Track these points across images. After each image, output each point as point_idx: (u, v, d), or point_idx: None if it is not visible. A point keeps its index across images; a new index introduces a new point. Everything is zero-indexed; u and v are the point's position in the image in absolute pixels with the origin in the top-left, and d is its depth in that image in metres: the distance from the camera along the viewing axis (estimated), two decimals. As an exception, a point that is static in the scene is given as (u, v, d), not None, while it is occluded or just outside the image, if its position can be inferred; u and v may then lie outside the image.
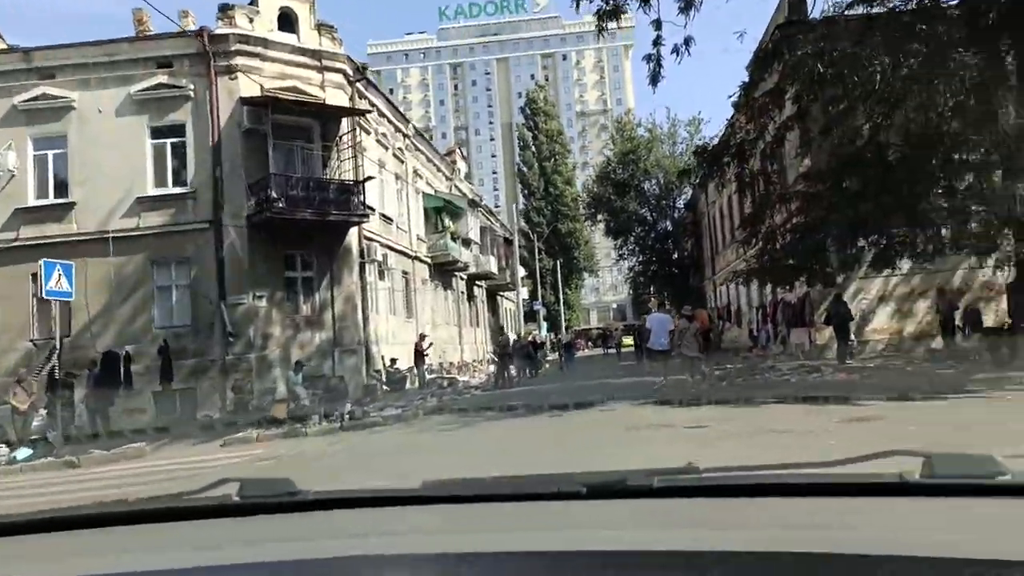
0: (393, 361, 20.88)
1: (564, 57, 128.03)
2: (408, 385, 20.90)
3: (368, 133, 22.37)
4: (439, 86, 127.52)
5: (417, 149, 28.63)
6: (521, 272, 58.81)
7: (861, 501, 1.08)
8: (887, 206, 13.13)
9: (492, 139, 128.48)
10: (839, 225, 13.94)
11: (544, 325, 65.03)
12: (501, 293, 45.55)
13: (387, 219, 24.28)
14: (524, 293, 58.54)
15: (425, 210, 29.65)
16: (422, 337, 20.58)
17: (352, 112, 19.94)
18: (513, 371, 21.58)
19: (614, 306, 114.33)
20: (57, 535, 1.20)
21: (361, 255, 20.91)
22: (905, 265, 17.81)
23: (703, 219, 39.05)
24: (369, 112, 21.10)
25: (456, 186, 33.96)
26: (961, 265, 18.44)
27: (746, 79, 15.41)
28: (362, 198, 19.42)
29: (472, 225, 32.81)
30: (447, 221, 30.01)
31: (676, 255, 42.10)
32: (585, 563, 0.86)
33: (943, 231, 12.89)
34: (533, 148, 77.54)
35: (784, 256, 14.65)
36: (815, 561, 0.80)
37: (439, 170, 32.44)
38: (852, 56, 13.18)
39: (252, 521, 1.20)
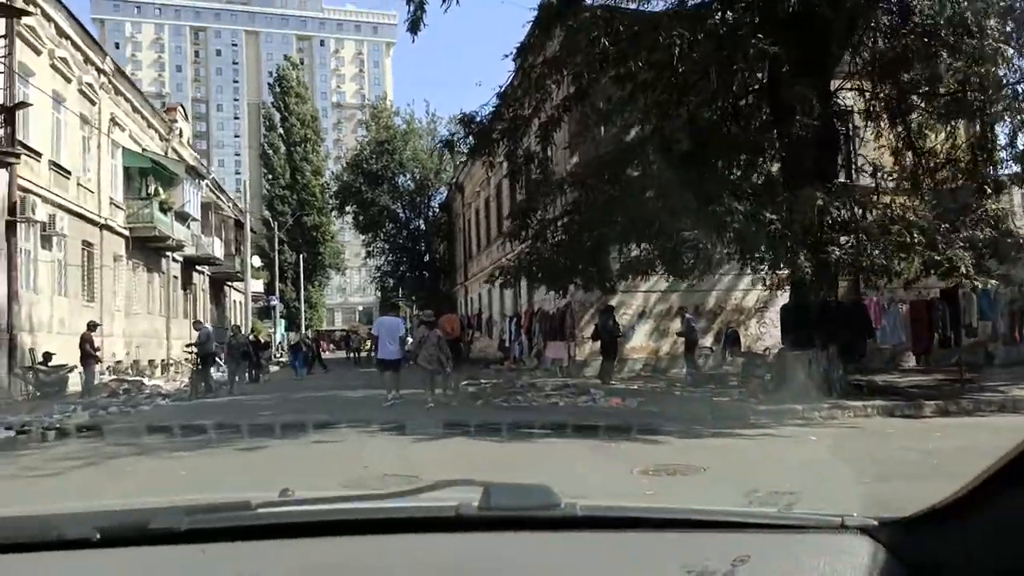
0: (47, 356, 15.57)
1: (322, 43, 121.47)
2: (74, 388, 15.72)
3: (37, 52, 16.77)
4: (176, 49, 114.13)
5: (118, 93, 22.91)
6: (257, 262, 52.87)
7: (414, 537, 1.03)
8: (673, 207, 11.39)
9: (236, 117, 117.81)
10: (619, 223, 11.97)
11: (282, 323, 59.28)
12: (230, 283, 39.80)
13: (62, 171, 18.63)
14: (258, 286, 52.61)
15: (127, 171, 23.92)
16: (92, 327, 15.49)
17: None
18: (216, 375, 17.18)
19: (360, 308, 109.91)
20: None
21: (12, 211, 15.37)
22: (662, 283, 16.72)
23: (458, 220, 37.02)
24: (29, 14, 15.62)
25: (174, 149, 28.30)
26: (717, 285, 17.80)
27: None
28: (11, 130, 14.08)
29: (191, 198, 27.45)
30: (156, 188, 24.51)
31: (428, 257, 39.64)
32: None
33: (728, 240, 11.37)
34: (281, 130, 71.04)
35: (558, 254, 12.41)
36: None
37: (151, 126, 26.67)
38: (645, 30, 11.31)
39: None
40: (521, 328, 21.67)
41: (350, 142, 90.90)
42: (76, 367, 15.17)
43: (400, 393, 13.23)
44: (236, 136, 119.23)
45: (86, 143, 20.68)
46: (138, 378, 18.46)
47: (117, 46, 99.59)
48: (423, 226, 39.81)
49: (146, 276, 25.94)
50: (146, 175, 24.28)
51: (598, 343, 15.38)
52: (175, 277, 29.65)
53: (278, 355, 45.63)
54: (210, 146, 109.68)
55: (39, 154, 17.14)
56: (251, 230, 42.67)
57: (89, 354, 14.99)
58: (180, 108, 32.17)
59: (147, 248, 25.51)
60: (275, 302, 52.30)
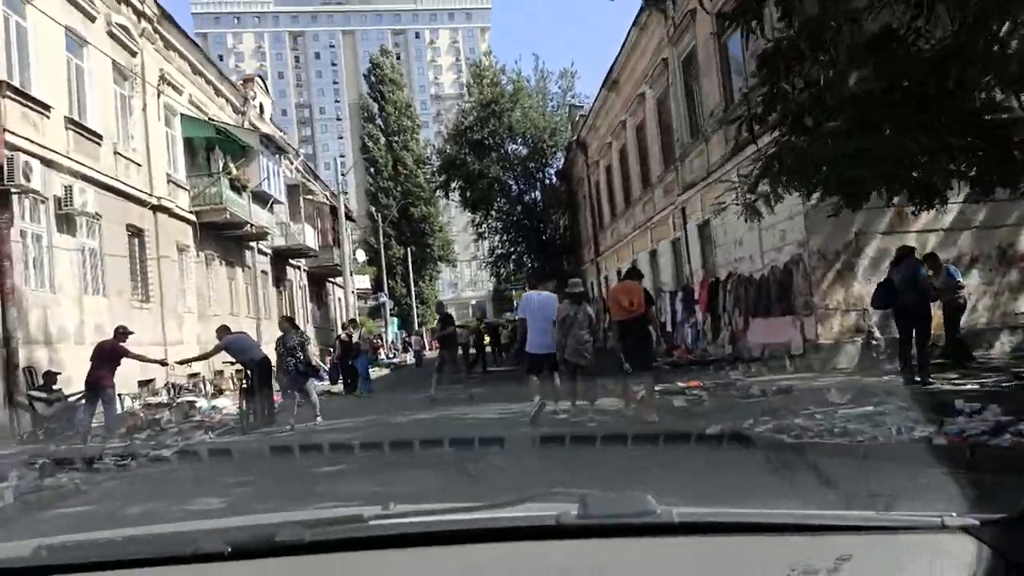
0: (49, 378, 11.11)
1: (417, 35, 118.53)
2: (103, 419, 11.23)
3: (30, -35, 12.42)
4: (277, 56, 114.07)
5: (168, 47, 18.66)
6: (361, 256, 49.19)
7: (516, 546, 1.06)
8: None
9: (338, 119, 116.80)
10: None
11: (394, 321, 55.60)
12: (331, 280, 35.82)
13: (88, 134, 14.34)
14: (364, 282, 48.92)
15: (189, 144, 19.75)
16: (120, 335, 10.82)
17: None
18: (277, 396, 12.17)
19: (473, 302, 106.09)
20: None
21: (-1, 178, 11.00)
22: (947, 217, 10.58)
23: (580, 187, 31.36)
24: None
25: (251, 122, 24.12)
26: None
27: None
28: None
29: (272, 176, 23.11)
30: (225, 162, 20.23)
31: (547, 233, 34.18)
32: None
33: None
34: (379, 120, 67.81)
35: (842, 145, 6.50)
36: None
37: (219, 94, 22.49)
38: None
39: None
40: (697, 304, 15.77)
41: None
42: (81, 394, 10.55)
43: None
44: (340, 138, 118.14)
45: (126, 103, 16.44)
46: (190, 399, 13.89)
47: (221, 58, 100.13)
48: (539, 198, 34.34)
49: (225, 271, 21.78)
50: (212, 148, 20.01)
51: (876, 316, 9.44)
52: (264, 272, 25.53)
53: (390, 355, 41.63)
54: (315, 150, 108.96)
55: (47, 107, 12.83)
56: (350, 218, 38.67)
57: (107, 370, 10.27)
58: (258, 79, 28.11)
59: (223, 237, 21.32)
60: (384, 299, 48.45)
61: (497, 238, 36.16)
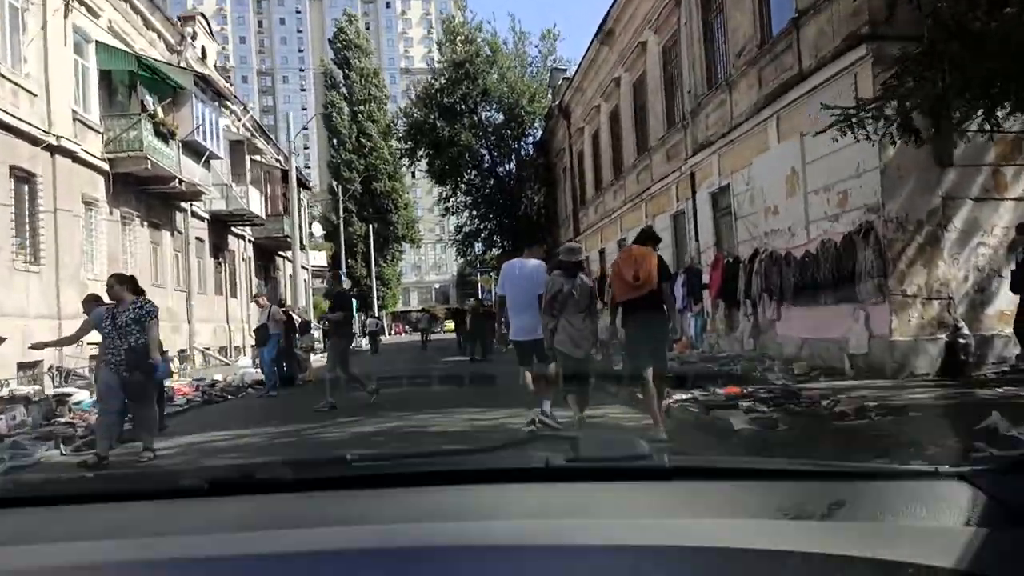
0: None
1: (388, 4, 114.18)
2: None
3: None
4: (239, 19, 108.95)
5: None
6: (318, 230, 45.92)
7: (504, 487, 1.06)
8: None
9: (303, 89, 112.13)
10: None
11: (353, 302, 52.45)
12: (282, 253, 32.63)
13: (-52, 42, 11.20)
14: (321, 259, 45.67)
15: (107, 79, 16.54)
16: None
17: None
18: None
19: (436, 286, 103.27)
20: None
21: None
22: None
23: (561, 159, 28.64)
24: None
25: (188, 62, 20.85)
26: None
27: None
28: None
29: (209, 125, 19.95)
30: (149, 101, 17.05)
31: (520, 210, 31.40)
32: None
33: None
34: (343, 88, 64.01)
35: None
36: (445, 553, 0.79)
37: (150, 26, 19.18)
38: None
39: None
40: (706, 288, 13.20)
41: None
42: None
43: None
44: (303, 109, 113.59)
45: (18, 17, 13.23)
46: (65, 391, 10.90)
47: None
48: (514, 170, 31.52)
49: (149, 234, 18.63)
50: (134, 86, 16.79)
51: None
52: (199, 240, 22.37)
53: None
54: (277, 119, 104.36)
55: None
56: (304, 186, 35.45)
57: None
58: (200, 19, 24.69)
59: (146, 194, 18.17)
60: (342, 278, 45.22)
61: (466, 214, 33.27)
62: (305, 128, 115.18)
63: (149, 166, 16.45)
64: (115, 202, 16.64)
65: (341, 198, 49.81)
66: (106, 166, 16.02)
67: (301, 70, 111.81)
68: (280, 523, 0.94)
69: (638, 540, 0.81)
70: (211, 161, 21.96)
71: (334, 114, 62.79)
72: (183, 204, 20.55)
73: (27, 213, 13.34)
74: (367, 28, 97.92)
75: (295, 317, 14.54)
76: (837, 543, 0.78)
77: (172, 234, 20.21)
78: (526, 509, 0.98)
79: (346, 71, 63.45)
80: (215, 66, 26.14)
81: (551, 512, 0.95)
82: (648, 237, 7.42)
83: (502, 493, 1.05)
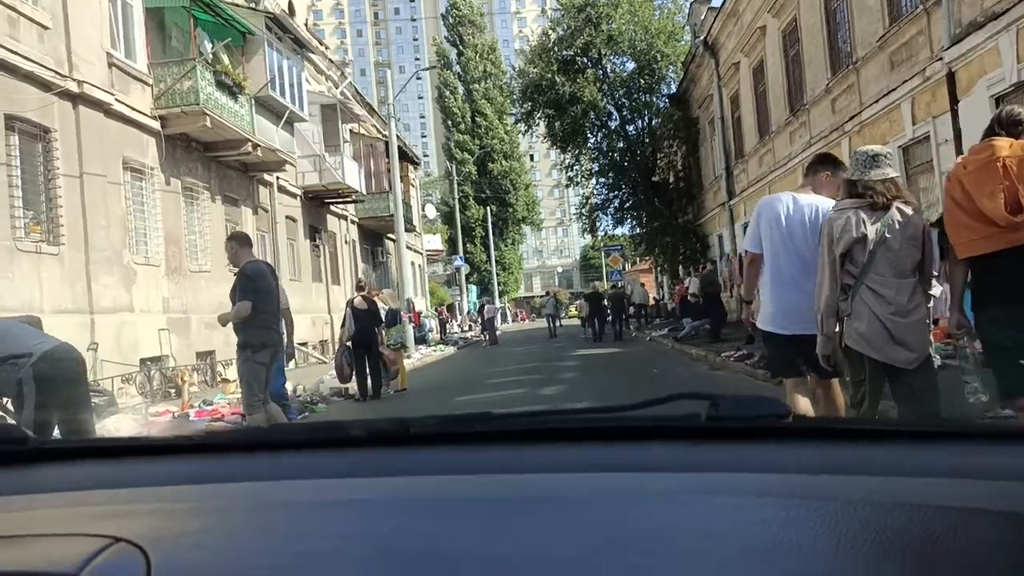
0: None
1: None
2: None
3: None
4: (356, 13, 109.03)
5: None
6: (431, 212, 43.10)
7: (646, 445, 1.07)
8: None
9: (419, 79, 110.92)
10: None
11: (472, 289, 49.50)
12: (392, 236, 29.69)
13: None
14: (435, 242, 42.87)
15: (159, 22, 13.63)
16: None
17: None
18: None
19: (559, 270, 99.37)
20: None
21: None
22: None
23: (706, 112, 23.88)
24: None
25: (263, 4, 17.81)
26: None
27: None
28: None
29: (287, 79, 16.85)
30: (208, 48, 14.02)
31: (658, 173, 26.83)
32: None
33: None
34: (457, 67, 61.19)
35: None
36: (599, 504, 0.81)
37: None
38: None
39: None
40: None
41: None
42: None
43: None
44: (420, 98, 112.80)
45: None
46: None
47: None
48: (649, 125, 26.98)
49: (222, 210, 15.72)
50: (189, 27, 13.76)
51: None
52: (290, 219, 19.49)
53: (464, 330, 35.39)
54: (394, 110, 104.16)
55: None
56: (412, 160, 32.38)
57: None
58: (286, -31, 21.73)
59: (217, 162, 15.27)
60: (459, 263, 42.16)
61: (592, 183, 29.09)
62: (422, 117, 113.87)
63: (209, 124, 13.37)
64: (173, 170, 13.73)
65: (455, 179, 46.88)
66: (156, 125, 13.09)
67: (417, 59, 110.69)
68: (431, 471, 1.00)
69: (783, 492, 0.80)
70: (297, 126, 18.97)
71: (448, 94, 60.16)
72: (267, 176, 17.62)
73: (40, 177, 10.44)
74: (482, 15, 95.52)
75: (381, 304, 10.99)
76: (1013, 503, 0.75)
77: (255, 212, 17.30)
78: (665, 464, 0.98)
79: (460, 48, 60.59)
80: (306, 25, 23.25)
81: (691, 468, 0.96)
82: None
83: (640, 449, 1.05)
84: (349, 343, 10.19)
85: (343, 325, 10.33)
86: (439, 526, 0.80)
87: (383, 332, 10.67)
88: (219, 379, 12.76)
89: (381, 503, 0.87)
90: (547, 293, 32.16)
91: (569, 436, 1.10)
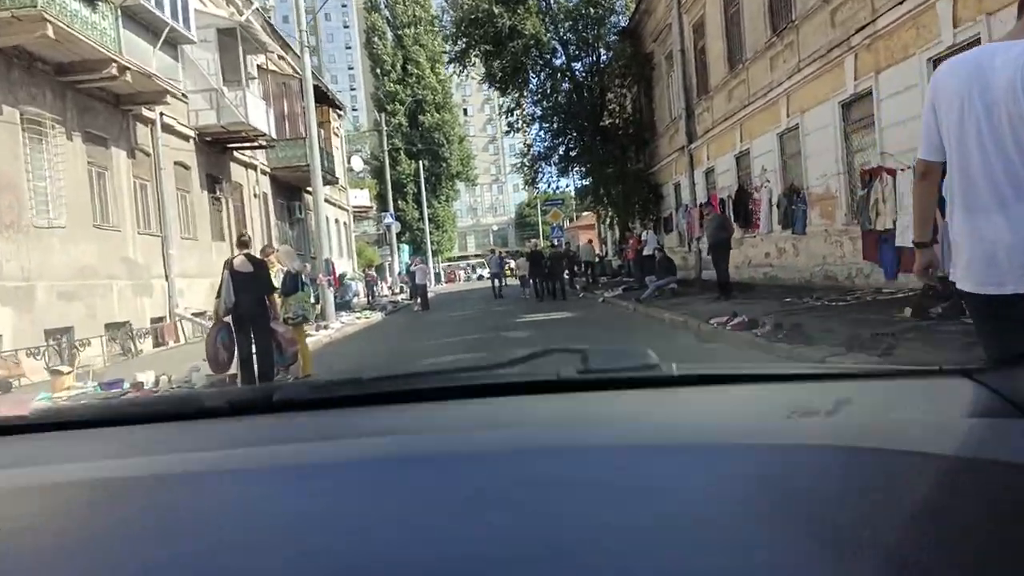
0: None
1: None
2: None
3: None
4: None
5: None
6: (359, 164, 39.79)
7: (517, 399, 1.07)
8: None
9: (346, 26, 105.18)
10: None
11: (404, 249, 46.46)
12: (308, 189, 26.54)
13: None
14: (363, 198, 39.68)
15: None
16: None
17: None
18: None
19: (495, 228, 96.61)
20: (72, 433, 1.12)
21: None
22: None
23: (662, 46, 21.48)
24: None
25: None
26: None
27: None
28: None
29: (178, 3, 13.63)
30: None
31: (607, 118, 24.40)
32: None
33: None
34: (386, 10, 57.14)
35: None
36: (457, 461, 0.79)
37: None
38: None
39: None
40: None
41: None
42: None
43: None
44: (348, 48, 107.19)
45: None
46: None
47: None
48: (598, 61, 24.45)
49: (83, 152, 12.57)
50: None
51: None
52: (181, 165, 16.35)
53: (395, 292, 32.62)
54: (321, 62, 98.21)
55: None
56: (334, 105, 29.09)
57: None
58: None
59: (73, 91, 12.09)
60: (389, 220, 39.10)
61: (534, 130, 26.47)
62: (351, 68, 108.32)
63: (52, 34, 10.22)
64: (6, 95, 10.56)
65: (384, 130, 43.48)
66: (-23, 32, 9.88)
67: (344, 5, 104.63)
68: (297, 438, 0.95)
69: (650, 441, 0.82)
70: (187, 53, 15.76)
71: (376, 40, 56.15)
72: (146, 112, 14.44)
73: None
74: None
75: (276, 266, 8.32)
76: (843, 437, 0.79)
77: (131, 155, 14.15)
78: (538, 418, 0.98)
79: (388, -10, 56.49)
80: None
81: (563, 421, 0.96)
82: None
83: (513, 404, 1.05)
84: (228, 318, 7.52)
85: (218, 295, 7.60)
86: (306, 493, 0.74)
87: (278, 303, 8.03)
88: (76, 366, 9.84)
89: (243, 472, 0.81)
90: (492, 251, 29.64)
91: (440, 395, 1.08)
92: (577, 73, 24.33)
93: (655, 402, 1.03)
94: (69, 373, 8.16)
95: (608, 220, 27.61)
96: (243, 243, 7.70)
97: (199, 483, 0.79)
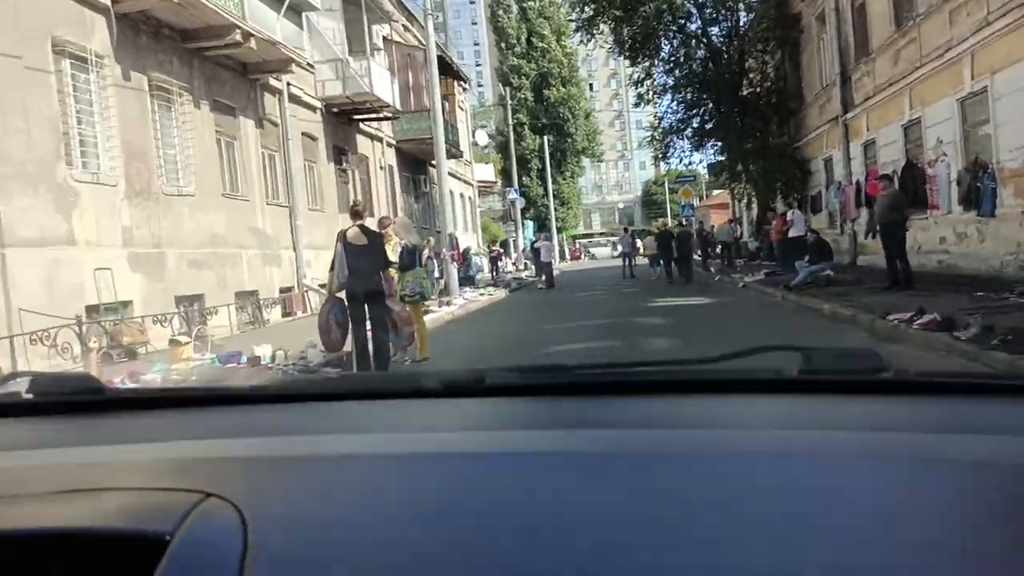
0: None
1: None
2: None
3: None
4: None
5: None
6: (483, 139, 39.44)
7: (734, 399, 1.03)
8: None
9: (472, 1, 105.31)
10: None
11: (528, 225, 45.89)
12: (433, 163, 26.29)
13: None
14: (487, 172, 39.36)
15: None
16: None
17: None
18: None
19: (620, 206, 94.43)
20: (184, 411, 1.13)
21: None
22: None
23: (810, 5, 19.46)
24: None
25: None
26: None
27: None
28: None
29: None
30: None
31: (746, 87, 22.57)
32: (441, 463, 0.82)
33: None
34: (511, -20, 56.31)
35: None
36: (688, 461, 0.77)
37: None
38: None
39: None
40: None
41: None
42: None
43: None
44: (474, 23, 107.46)
45: None
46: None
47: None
48: (736, 28, 22.64)
49: (211, 121, 12.54)
50: None
51: None
52: (308, 136, 16.27)
53: (519, 269, 32.10)
54: (448, 36, 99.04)
55: None
56: (456, 78, 28.63)
57: None
58: None
59: (200, 58, 12.04)
60: (514, 195, 38.51)
61: (665, 101, 24.94)
62: (476, 44, 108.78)
63: (177, -2, 10.05)
64: (135, 61, 10.53)
65: (509, 104, 42.85)
66: (107, 1, 9.83)
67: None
68: (514, 425, 0.98)
69: (885, 451, 0.75)
70: (314, 23, 15.59)
71: (501, 13, 55.53)
72: (273, 81, 14.33)
73: None
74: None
75: (394, 239, 7.72)
76: None
77: (259, 124, 14.10)
78: (762, 420, 0.93)
79: (514, -40, 55.60)
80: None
81: (788, 424, 0.90)
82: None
83: (730, 404, 0.99)
84: (341, 294, 6.97)
85: (332, 268, 7.06)
86: (525, 480, 0.74)
87: (394, 278, 7.43)
88: (194, 336, 9.71)
89: (460, 457, 0.82)
90: (625, 230, 28.46)
91: (649, 389, 1.06)
92: (714, 38, 22.60)
93: (888, 410, 0.92)
94: (188, 344, 7.93)
95: (745, 199, 25.77)
96: (356, 213, 7.09)
97: (436, 463, 0.80)
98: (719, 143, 23.63)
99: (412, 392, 1.16)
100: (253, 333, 11.53)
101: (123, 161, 10.12)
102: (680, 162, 26.30)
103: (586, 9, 23.46)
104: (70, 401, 1.12)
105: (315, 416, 1.07)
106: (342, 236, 6.91)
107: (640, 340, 7.92)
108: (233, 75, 13.09)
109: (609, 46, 24.50)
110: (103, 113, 9.88)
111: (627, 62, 24.86)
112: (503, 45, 56.11)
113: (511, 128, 41.45)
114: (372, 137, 20.49)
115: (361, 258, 6.81)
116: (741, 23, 22.44)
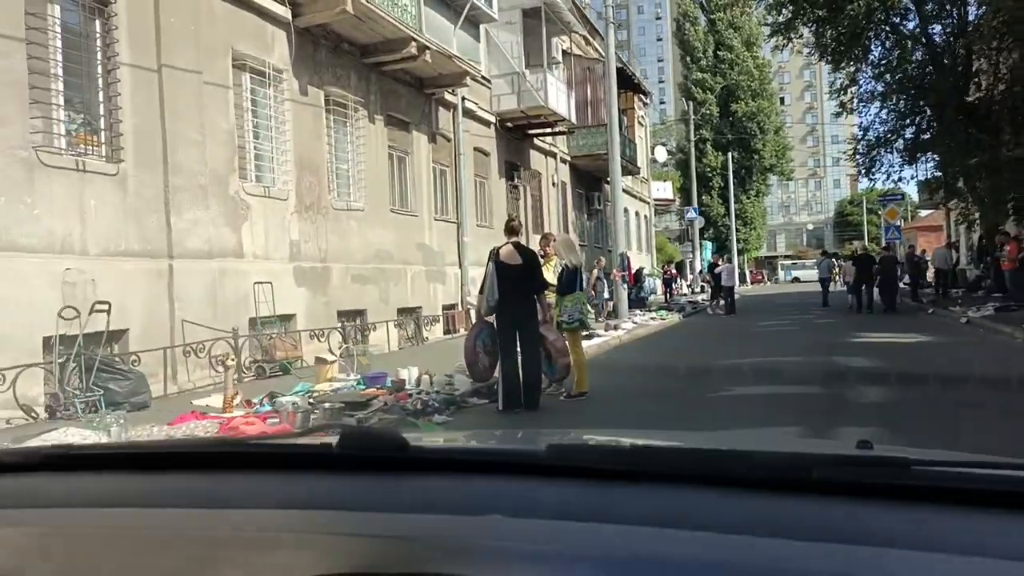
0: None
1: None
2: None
3: None
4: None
5: None
6: (661, 155, 38.01)
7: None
8: None
9: (659, 17, 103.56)
10: None
11: (706, 246, 43.69)
12: (608, 180, 25.39)
13: None
14: (665, 191, 37.85)
15: None
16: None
17: None
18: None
19: (808, 227, 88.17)
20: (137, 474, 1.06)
21: None
22: None
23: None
24: None
25: None
26: None
27: None
28: None
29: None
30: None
31: (972, 92, 19.60)
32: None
33: None
34: (699, -7, 54.31)
35: None
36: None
37: None
38: None
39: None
40: None
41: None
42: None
43: None
44: (659, 40, 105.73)
45: None
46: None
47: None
48: (962, 24, 19.77)
49: (383, 135, 12.49)
50: None
51: None
52: (480, 152, 15.99)
53: (690, 291, 30.33)
54: (632, 52, 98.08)
55: None
56: (635, 91, 27.56)
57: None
58: None
59: (376, 72, 12.00)
60: (692, 215, 36.67)
61: (873, 109, 22.34)
62: (660, 60, 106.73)
63: (350, 9, 9.96)
64: (313, 76, 10.59)
65: (692, 118, 41.02)
66: (286, 13, 9.93)
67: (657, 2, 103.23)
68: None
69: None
70: (491, 35, 15.31)
71: (688, 26, 53.67)
72: (448, 96, 14.15)
73: (99, 69, 7.58)
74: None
75: (554, 259, 6.91)
76: None
77: (432, 139, 13.95)
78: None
79: (702, -29, 53.62)
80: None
81: None
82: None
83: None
84: (491, 318, 6.25)
85: (481, 291, 6.36)
86: None
87: (551, 302, 6.60)
88: (354, 351, 9.47)
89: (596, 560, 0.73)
90: (824, 253, 26.21)
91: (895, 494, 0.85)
92: (934, 37, 19.87)
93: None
94: (334, 362, 7.57)
95: (965, 221, 22.48)
96: (512, 229, 6.34)
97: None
98: (936, 156, 20.74)
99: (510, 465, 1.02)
100: (411, 350, 11.21)
101: (295, 175, 10.16)
102: (888, 178, 23.40)
103: (784, 11, 21.55)
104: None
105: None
106: (494, 254, 6.19)
107: (846, 390, 6.48)
108: (409, 90, 13.01)
109: (809, 50, 22.36)
110: (279, 127, 9.97)
111: (828, 67, 22.57)
112: (688, 59, 54.26)
113: (692, 144, 39.59)
114: (546, 152, 19.99)
115: (514, 280, 6.05)
116: (968, 19, 19.55)
